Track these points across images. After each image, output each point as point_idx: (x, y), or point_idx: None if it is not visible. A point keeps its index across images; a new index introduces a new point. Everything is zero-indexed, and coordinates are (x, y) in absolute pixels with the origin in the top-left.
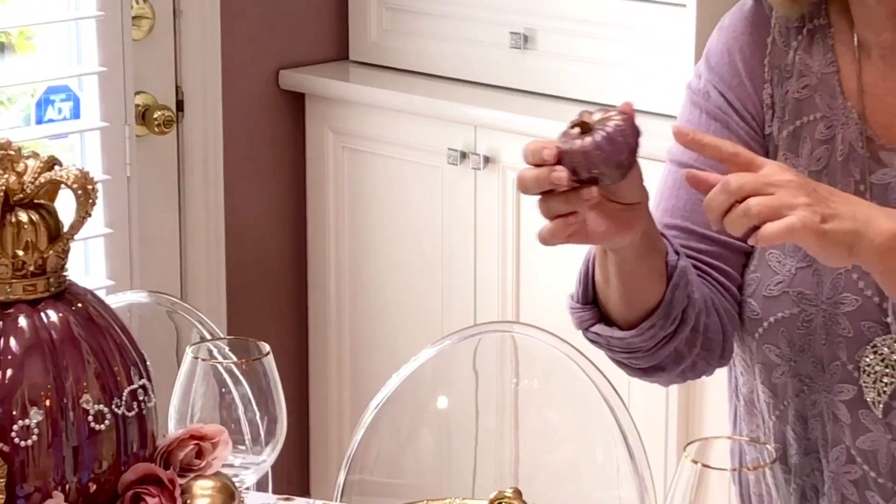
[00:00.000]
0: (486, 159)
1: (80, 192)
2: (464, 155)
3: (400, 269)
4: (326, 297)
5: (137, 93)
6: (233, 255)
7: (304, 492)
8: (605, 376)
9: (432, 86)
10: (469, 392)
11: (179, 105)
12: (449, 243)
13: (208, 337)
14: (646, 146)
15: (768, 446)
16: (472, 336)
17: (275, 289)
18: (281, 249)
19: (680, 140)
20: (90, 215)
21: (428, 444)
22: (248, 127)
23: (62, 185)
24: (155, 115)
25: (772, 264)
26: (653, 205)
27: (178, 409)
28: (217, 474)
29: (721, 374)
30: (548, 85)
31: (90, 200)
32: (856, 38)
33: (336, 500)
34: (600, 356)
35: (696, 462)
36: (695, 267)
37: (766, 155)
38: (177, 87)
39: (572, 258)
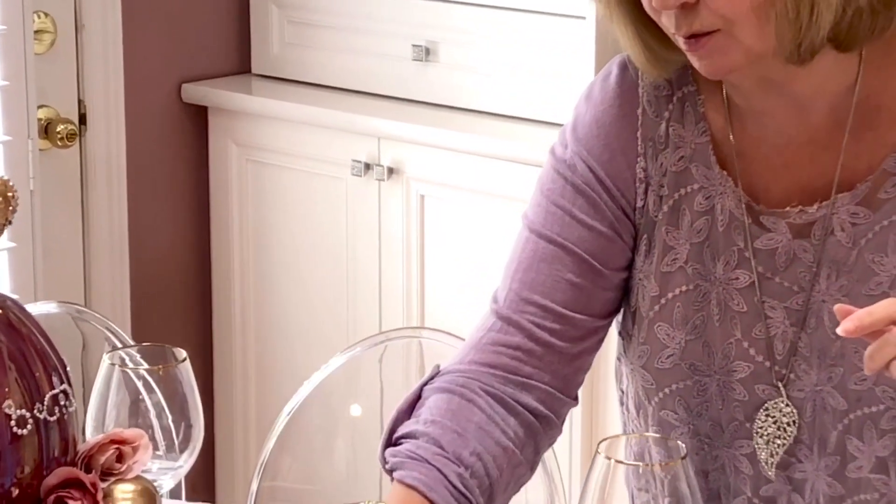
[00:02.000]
0: (390, 170)
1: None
2: (368, 166)
3: (306, 280)
4: (231, 309)
5: (40, 106)
6: (137, 268)
7: (210, 499)
8: None
9: (336, 98)
10: (378, 398)
11: (82, 118)
12: (354, 254)
13: (119, 345)
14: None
15: (679, 443)
16: (381, 343)
17: (179, 301)
18: (185, 262)
19: (851, 335)
20: (10, 223)
21: (340, 449)
22: (151, 140)
23: None
24: (58, 129)
25: (660, 337)
26: (508, 268)
27: (94, 417)
28: (138, 478)
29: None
30: (450, 96)
31: (10, 208)
32: (726, 103)
33: None
34: None
35: (609, 458)
36: (545, 345)
37: (635, 228)
38: (79, 101)
39: (476, 266)
